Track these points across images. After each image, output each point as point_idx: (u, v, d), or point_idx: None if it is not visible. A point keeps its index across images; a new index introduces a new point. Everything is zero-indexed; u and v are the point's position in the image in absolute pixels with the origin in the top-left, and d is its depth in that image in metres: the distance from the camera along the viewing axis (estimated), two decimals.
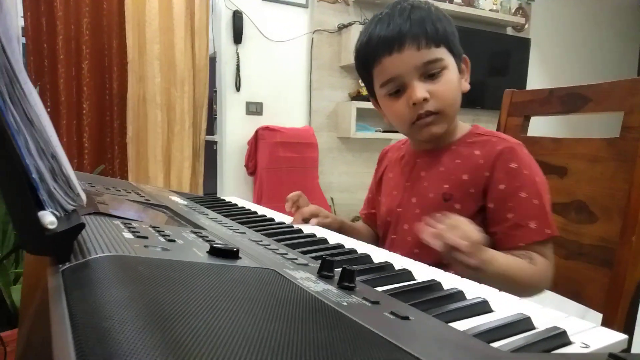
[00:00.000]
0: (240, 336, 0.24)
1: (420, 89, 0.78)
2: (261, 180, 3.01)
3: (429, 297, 0.43)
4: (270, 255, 0.48)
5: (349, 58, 3.20)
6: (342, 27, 3.26)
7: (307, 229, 0.75)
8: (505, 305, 0.45)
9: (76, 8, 2.68)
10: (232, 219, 0.72)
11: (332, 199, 3.35)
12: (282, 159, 3.00)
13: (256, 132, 3.04)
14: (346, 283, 0.39)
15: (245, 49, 3.06)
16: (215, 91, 3.21)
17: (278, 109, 3.20)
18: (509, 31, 3.96)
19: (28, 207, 0.33)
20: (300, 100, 3.28)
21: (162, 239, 0.43)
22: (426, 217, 0.81)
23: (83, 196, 0.42)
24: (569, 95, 1.00)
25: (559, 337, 0.36)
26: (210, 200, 0.97)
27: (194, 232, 0.51)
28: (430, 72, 0.79)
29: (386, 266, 0.54)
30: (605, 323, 0.84)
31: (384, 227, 0.93)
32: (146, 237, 0.42)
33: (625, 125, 0.87)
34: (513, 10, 3.89)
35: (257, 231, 0.64)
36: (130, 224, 0.47)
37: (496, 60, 3.72)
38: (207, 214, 0.72)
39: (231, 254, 0.41)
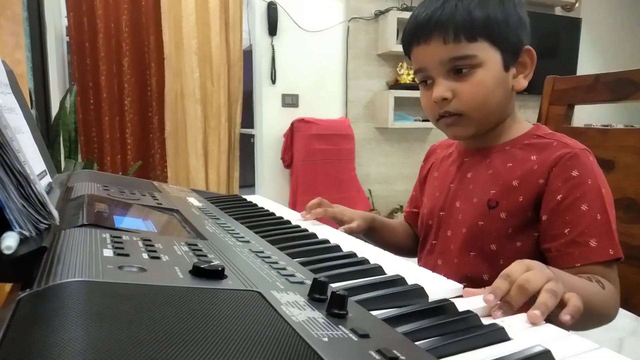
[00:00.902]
0: None
1: (441, 87, 0.72)
2: (297, 173, 2.99)
3: (435, 323, 0.38)
4: (265, 271, 0.44)
5: (386, 46, 3.11)
6: (378, 14, 3.17)
7: (323, 233, 0.71)
8: (523, 332, 0.40)
9: (115, 6, 2.74)
10: (243, 223, 0.69)
11: (369, 190, 3.29)
12: (317, 152, 2.97)
13: (292, 124, 3.02)
14: (336, 310, 0.35)
15: (280, 41, 3.03)
16: None
17: (314, 100, 3.16)
18: (558, 11, 3.72)
19: None
20: (336, 91, 3.23)
21: (145, 255, 0.41)
22: (471, 225, 0.74)
23: (55, 214, 0.40)
24: (617, 81, 0.90)
25: None
26: (229, 200, 0.95)
27: (189, 245, 0.48)
28: (458, 68, 0.71)
29: (397, 280, 0.49)
30: None
31: (424, 231, 0.86)
32: (127, 255, 0.39)
33: None
34: None
35: (264, 237, 0.61)
36: (120, 237, 0.45)
37: (544, 42, 3.50)
38: (218, 219, 0.70)
39: (215, 274, 0.38)
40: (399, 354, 0.29)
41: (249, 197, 1.01)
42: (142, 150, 2.94)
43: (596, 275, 0.62)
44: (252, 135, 3.24)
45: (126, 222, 0.54)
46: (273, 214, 0.84)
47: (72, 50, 2.73)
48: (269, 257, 0.50)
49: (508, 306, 0.45)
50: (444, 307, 0.42)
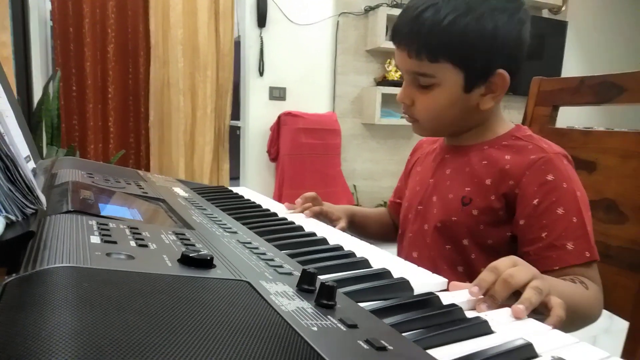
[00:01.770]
0: None
1: (403, 92, 0.75)
2: (283, 167, 2.99)
3: (421, 315, 0.39)
4: (253, 261, 0.45)
5: (375, 42, 3.11)
6: (368, 10, 3.17)
7: (309, 226, 0.72)
8: (506, 326, 0.40)
9: None
10: (230, 214, 0.69)
11: (354, 186, 3.30)
12: (304, 146, 2.97)
13: (279, 117, 3.01)
14: (324, 301, 0.35)
15: (269, 33, 3.01)
16: None
17: (302, 94, 3.15)
18: (545, 14, 3.77)
19: None
20: (324, 85, 3.22)
21: (133, 243, 0.40)
22: (445, 219, 0.76)
23: (43, 199, 0.40)
24: (602, 84, 0.92)
25: None
26: (215, 191, 0.94)
27: (176, 234, 0.48)
28: (419, 82, 0.73)
29: (383, 274, 0.50)
30: (632, 332, 0.78)
31: (403, 223, 0.88)
32: (115, 242, 0.39)
33: None
34: None
35: (251, 229, 0.61)
36: (107, 224, 0.45)
37: (530, 44, 3.54)
38: (204, 209, 0.69)
39: (204, 263, 0.38)
40: (386, 344, 0.30)
41: (235, 189, 1.00)
42: (125, 139, 2.90)
43: (579, 277, 0.63)
44: (238, 128, 3.22)
45: (112, 210, 0.53)
46: (260, 206, 0.84)
47: (55, 35, 2.66)
48: (256, 248, 0.50)
49: (492, 300, 0.46)
50: (430, 300, 0.43)
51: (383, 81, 3.21)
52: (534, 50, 3.54)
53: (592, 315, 0.63)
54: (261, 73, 3.03)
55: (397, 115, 3.22)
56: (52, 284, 0.29)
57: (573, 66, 3.77)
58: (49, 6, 2.70)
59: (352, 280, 0.46)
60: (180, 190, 0.84)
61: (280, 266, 0.44)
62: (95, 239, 0.39)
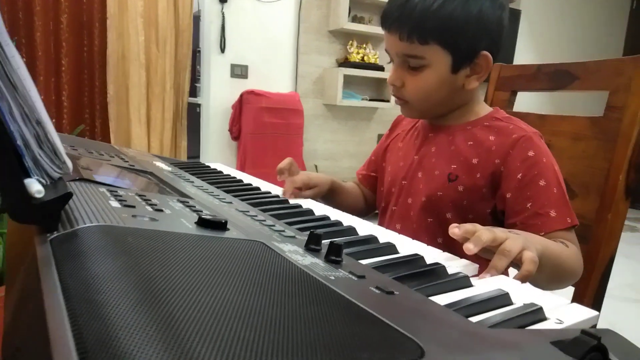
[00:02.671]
0: (232, 311, 0.25)
1: (393, 75, 0.79)
2: (245, 146, 2.99)
3: (412, 272, 0.44)
4: (258, 226, 0.48)
5: (338, 22, 3.14)
6: None
7: (294, 199, 0.76)
8: (484, 281, 0.47)
9: None
10: (218, 187, 0.72)
11: (316, 166, 3.35)
12: (267, 125, 2.97)
13: (241, 96, 2.99)
14: (333, 257, 0.40)
15: (231, 9, 2.97)
16: (199, 51, 3.13)
17: (264, 72, 3.14)
18: None
19: (14, 175, 0.32)
20: (286, 65, 3.22)
21: (149, 208, 0.43)
22: (431, 194, 0.81)
23: (69, 163, 0.42)
24: (556, 72, 1.01)
25: (535, 314, 0.37)
26: (195, 166, 0.96)
27: (181, 202, 0.51)
28: (409, 63, 0.77)
29: (371, 239, 0.55)
30: (577, 297, 0.87)
31: (386, 197, 0.92)
32: (133, 207, 0.42)
33: (609, 104, 0.88)
34: None
35: (243, 200, 0.64)
36: (117, 191, 0.47)
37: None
38: (192, 182, 0.72)
39: (219, 225, 0.42)
40: (394, 290, 0.35)
41: (213, 165, 1.02)
42: (80, 115, 2.80)
43: (560, 239, 0.71)
44: (198, 105, 3.17)
45: (112, 180, 0.55)
46: (241, 180, 0.86)
47: (1, 2, 2.51)
48: (255, 216, 0.54)
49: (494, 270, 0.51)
50: (416, 259, 0.48)
51: (345, 62, 3.25)
52: None
53: (575, 272, 0.70)
54: (222, 50, 2.99)
55: (359, 97, 3.28)
56: (101, 238, 0.31)
57: (524, 55, 3.96)
58: None
59: (346, 245, 0.51)
60: (162, 164, 0.85)
61: (283, 231, 0.48)
62: (115, 204, 0.41)
